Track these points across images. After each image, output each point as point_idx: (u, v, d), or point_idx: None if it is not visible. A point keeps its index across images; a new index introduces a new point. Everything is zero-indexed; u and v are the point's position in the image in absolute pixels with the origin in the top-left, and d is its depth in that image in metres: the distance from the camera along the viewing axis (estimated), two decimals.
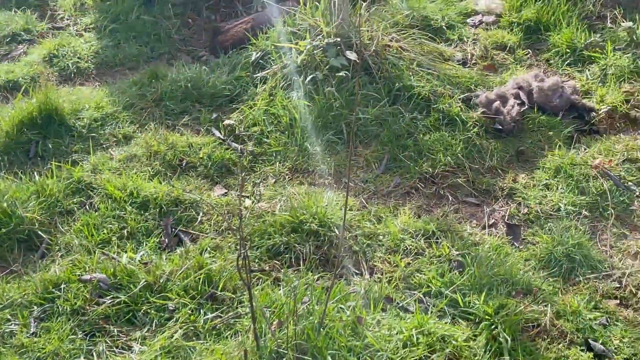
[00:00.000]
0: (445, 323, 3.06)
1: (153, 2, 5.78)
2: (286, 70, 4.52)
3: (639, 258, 3.51)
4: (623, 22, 5.08)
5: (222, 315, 3.14)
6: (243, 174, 4.02)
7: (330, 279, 3.25)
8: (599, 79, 4.74)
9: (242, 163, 4.10)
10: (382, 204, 3.83)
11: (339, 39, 4.44)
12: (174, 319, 3.12)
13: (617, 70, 4.73)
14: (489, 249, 3.48)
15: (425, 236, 3.56)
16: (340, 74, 4.34)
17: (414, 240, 3.53)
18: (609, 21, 5.24)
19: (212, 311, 3.15)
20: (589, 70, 4.84)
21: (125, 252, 3.44)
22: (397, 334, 2.98)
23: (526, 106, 4.36)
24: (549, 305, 3.16)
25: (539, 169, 4.04)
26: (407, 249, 3.49)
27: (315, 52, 4.43)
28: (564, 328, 3.08)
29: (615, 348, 3.00)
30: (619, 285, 3.33)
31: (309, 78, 4.38)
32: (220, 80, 4.68)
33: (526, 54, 5.09)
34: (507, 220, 3.73)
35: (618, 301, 3.27)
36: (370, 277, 3.35)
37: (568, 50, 5.00)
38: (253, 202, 3.81)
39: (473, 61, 4.99)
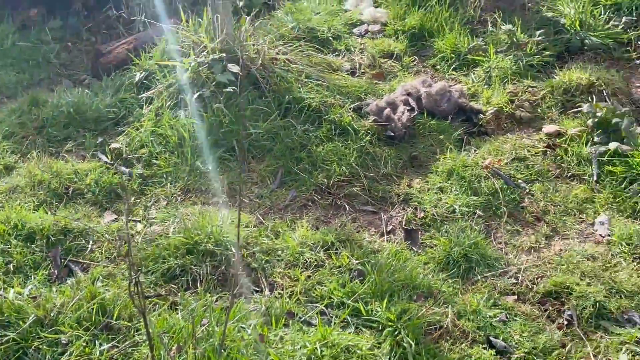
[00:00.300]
0: (349, 333, 3.01)
1: (29, 28, 5.55)
2: (172, 89, 4.42)
3: (532, 253, 3.56)
4: (503, 25, 5.21)
5: (118, 345, 2.99)
6: (131, 198, 3.88)
7: (229, 298, 3.16)
8: (484, 81, 4.84)
9: (131, 187, 3.96)
10: (279, 219, 3.77)
11: (224, 55, 4.37)
12: (68, 353, 2.95)
13: (500, 72, 4.84)
14: (389, 255, 3.46)
15: (324, 248, 3.51)
16: (228, 89, 4.26)
17: (313, 252, 3.48)
18: (490, 25, 5.37)
19: (107, 341, 3.00)
20: (474, 73, 4.94)
21: (12, 287, 3.25)
22: (300, 348, 2.91)
23: (416, 112, 4.40)
24: (450, 306, 3.17)
25: (432, 172, 4.07)
26: (306, 262, 3.43)
27: (200, 68, 4.34)
28: (466, 327, 3.08)
29: (516, 343, 3.03)
30: (515, 281, 3.38)
31: (195, 95, 4.28)
32: (104, 103, 4.53)
33: (413, 61, 5.16)
34: (405, 225, 3.73)
35: (516, 297, 3.30)
36: (270, 294, 3.27)
37: (453, 55, 5.10)
38: (145, 226, 3.69)
39: (362, 70, 5.01)
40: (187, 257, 3.41)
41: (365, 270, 3.33)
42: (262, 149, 4.20)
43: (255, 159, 4.18)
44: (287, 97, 4.40)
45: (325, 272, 3.36)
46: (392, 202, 3.91)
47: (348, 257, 3.42)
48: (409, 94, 4.49)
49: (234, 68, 4.26)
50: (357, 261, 3.39)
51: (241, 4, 5.46)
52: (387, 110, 4.31)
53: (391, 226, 3.76)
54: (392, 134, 4.26)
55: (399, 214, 3.82)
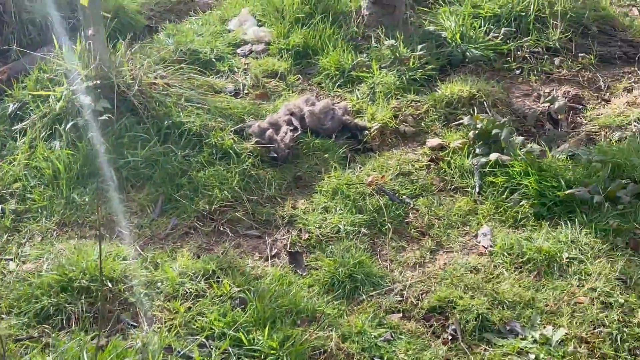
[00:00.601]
0: None
1: None
2: (46, 120, 4.24)
3: (418, 269, 3.55)
4: (386, 40, 5.23)
5: None
6: (4, 236, 3.69)
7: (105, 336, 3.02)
8: (369, 97, 4.84)
9: (4, 224, 3.77)
10: (160, 249, 3.64)
11: (99, 82, 4.22)
12: None
13: (384, 88, 4.85)
14: (272, 280, 3.38)
15: (205, 277, 3.40)
16: (104, 117, 4.12)
17: (194, 282, 3.37)
18: (373, 41, 5.38)
19: None
20: (358, 90, 4.93)
21: None
22: None
23: (299, 131, 4.35)
24: (334, 328, 3.11)
25: (317, 192, 4.02)
26: (187, 292, 3.32)
27: (74, 97, 4.18)
28: (350, 350, 3.03)
29: None
30: (400, 298, 3.35)
31: (69, 125, 4.12)
32: None
33: (297, 80, 5.12)
34: (290, 248, 3.66)
35: (401, 314, 3.27)
36: (149, 328, 3.14)
37: (337, 72, 5.08)
38: (18, 264, 3.52)
39: (245, 91, 4.93)
40: (61, 295, 3.25)
41: (247, 297, 3.24)
42: (142, 177, 4.07)
43: (135, 187, 4.04)
44: (166, 122, 4.28)
45: (206, 302, 3.26)
46: (276, 225, 3.84)
47: (230, 285, 3.32)
48: (292, 114, 4.43)
49: (109, 95, 4.12)
50: (239, 289, 3.30)
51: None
52: (270, 131, 4.25)
53: (276, 250, 3.68)
54: (276, 155, 4.19)
55: (284, 237, 3.75)
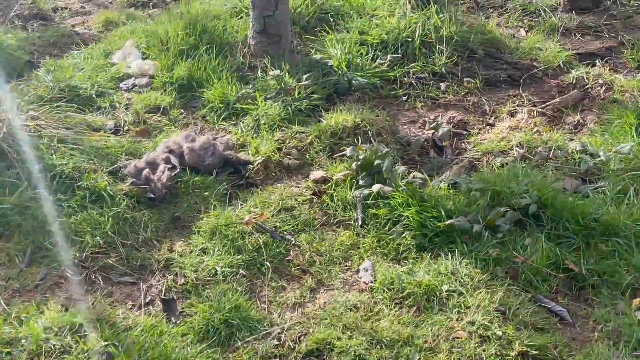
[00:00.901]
0: None
1: None
2: None
3: (297, 309, 3.46)
4: (272, 70, 5.16)
5: None
6: None
7: None
8: (253, 130, 4.75)
9: None
10: (27, 302, 3.45)
11: None
12: None
13: (269, 120, 4.77)
14: (142, 331, 3.24)
15: (72, 330, 3.22)
16: None
17: (59, 337, 3.19)
18: (259, 71, 5.30)
19: None
20: (243, 122, 4.83)
21: None
22: None
23: (178, 169, 4.22)
24: None
25: (195, 233, 3.90)
26: (51, 349, 3.14)
27: None
28: None
29: None
30: (278, 342, 3.25)
31: None
32: None
33: (181, 114, 4.99)
34: (164, 295, 3.52)
35: (278, 359, 3.18)
36: None
37: (222, 104, 4.98)
38: None
39: (126, 128, 4.78)
40: None
41: (114, 352, 3.08)
42: (11, 224, 3.86)
43: (3, 236, 3.83)
44: (37, 166, 4.09)
45: (72, 358, 3.09)
46: (152, 269, 3.70)
47: (97, 339, 3.16)
48: (170, 151, 4.30)
49: None
50: (106, 343, 3.15)
51: None
52: (146, 171, 4.11)
53: (150, 297, 3.54)
54: (153, 195, 4.06)
55: (159, 283, 3.62)
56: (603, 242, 3.67)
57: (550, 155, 4.36)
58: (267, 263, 3.70)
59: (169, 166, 4.19)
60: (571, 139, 4.61)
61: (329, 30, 5.73)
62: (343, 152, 4.45)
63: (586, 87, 5.22)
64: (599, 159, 4.23)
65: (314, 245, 3.84)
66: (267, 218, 3.96)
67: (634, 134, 4.44)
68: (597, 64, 5.57)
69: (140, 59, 5.51)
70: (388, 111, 4.98)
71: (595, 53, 5.85)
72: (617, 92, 5.09)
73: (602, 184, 4.07)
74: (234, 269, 3.65)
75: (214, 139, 4.44)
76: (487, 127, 4.91)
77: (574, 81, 5.32)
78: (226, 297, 3.43)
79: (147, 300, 3.51)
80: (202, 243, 3.81)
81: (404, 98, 5.19)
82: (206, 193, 4.16)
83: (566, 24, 6.22)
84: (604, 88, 5.16)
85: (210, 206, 4.06)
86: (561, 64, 5.61)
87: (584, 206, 3.80)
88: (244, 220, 3.88)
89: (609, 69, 5.50)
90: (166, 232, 3.94)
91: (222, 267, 3.64)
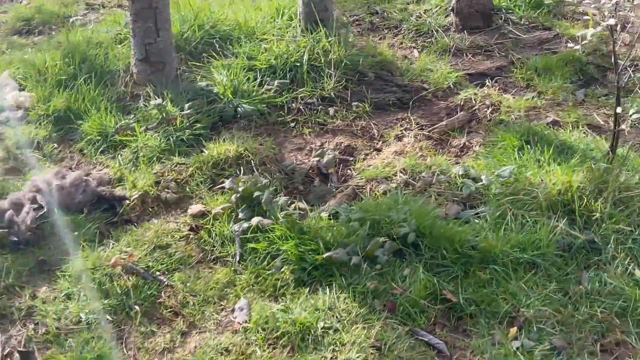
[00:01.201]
0: None
1: None
2: None
3: (166, 355, 3.29)
4: (154, 99, 4.98)
5: None
6: None
7: None
8: (132, 163, 4.56)
9: None
10: None
11: None
12: None
13: (148, 152, 4.59)
14: None
15: None
16: None
17: None
18: (141, 100, 5.11)
19: None
20: (121, 155, 4.64)
21: None
22: None
23: (45, 209, 3.99)
24: None
25: (60, 277, 3.68)
26: None
27: None
28: None
29: None
30: None
31: None
32: None
33: (56, 148, 4.76)
34: (23, 346, 3.30)
35: None
36: None
37: (99, 137, 4.77)
38: None
39: None
40: None
41: None
42: None
43: None
44: None
45: None
46: (12, 319, 3.47)
47: None
48: (38, 190, 4.08)
49: None
50: None
51: None
52: (9, 213, 3.88)
53: (9, 349, 3.31)
54: (16, 239, 3.82)
55: (19, 333, 3.39)
56: (481, 269, 3.61)
57: (434, 181, 4.29)
58: (136, 307, 3.51)
59: (35, 206, 3.96)
60: (456, 163, 4.55)
61: (216, 56, 5.58)
62: (223, 185, 4.30)
63: (474, 108, 5.20)
64: (480, 183, 4.18)
65: (188, 284, 3.67)
66: (139, 257, 3.77)
67: (517, 156, 4.42)
68: (487, 84, 5.56)
69: (17, 91, 5.25)
70: (274, 138, 4.86)
71: (486, 73, 5.85)
72: (503, 113, 5.08)
73: (483, 209, 4.01)
74: (100, 316, 3.45)
75: (87, 175, 4.24)
76: (374, 153, 4.82)
77: (462, 103, 5.30)
78: (89, 346, 3.24)
79: (5, 353, 3.28)
80: (67, 288, 3.60)
81: (292, 124, 5.08)
82: (76, 233, 3.95)
83: (458, 44, 6.22)
84: (490, 109, 5.15)
85: (80, 247, 3.85)
86: (451, 85, 5.58)
87: (462, 233, 3.74)
88: (109, 263, 3.68)
89: (499, 89, 5.50)
90: (30, 277, 3.71)
91: (87, 314, 3.44)
